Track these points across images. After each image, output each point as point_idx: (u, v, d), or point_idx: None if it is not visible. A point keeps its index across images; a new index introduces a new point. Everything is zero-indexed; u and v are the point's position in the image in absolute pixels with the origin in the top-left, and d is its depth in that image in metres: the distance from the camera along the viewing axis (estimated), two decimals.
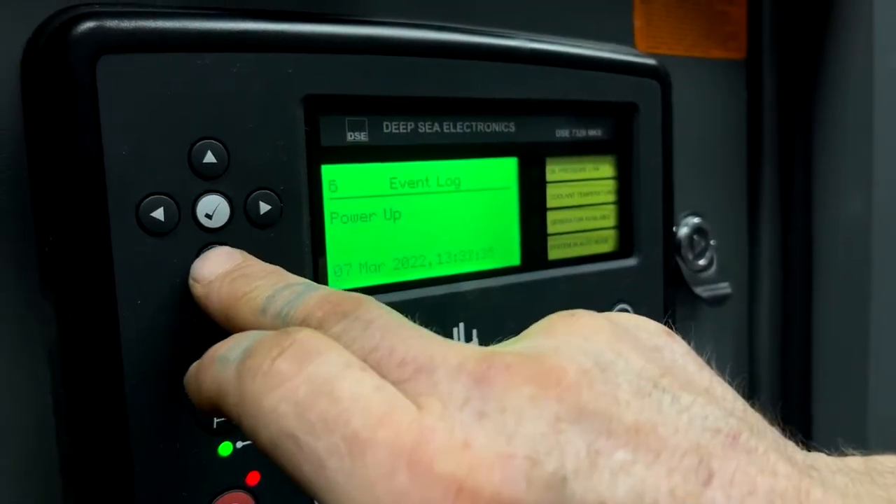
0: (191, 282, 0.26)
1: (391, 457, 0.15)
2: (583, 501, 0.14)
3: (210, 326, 0.27)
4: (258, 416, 0.17)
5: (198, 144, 0.26)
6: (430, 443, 0.15)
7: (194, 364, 0.22)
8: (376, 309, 0.20)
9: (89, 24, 0.25)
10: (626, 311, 0.40)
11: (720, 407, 0.17)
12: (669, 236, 0.42)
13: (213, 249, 0.27)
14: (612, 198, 0.40)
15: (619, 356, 0.18)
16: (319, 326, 0.20)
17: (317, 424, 0.16)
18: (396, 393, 0.17)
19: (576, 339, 0.18)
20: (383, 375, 0.18)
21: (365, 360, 0.18)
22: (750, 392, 0.56)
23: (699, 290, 0.49)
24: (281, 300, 0.22)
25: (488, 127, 0.35)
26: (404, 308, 0.32)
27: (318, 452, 0.16)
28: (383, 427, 0.16)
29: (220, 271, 0.25)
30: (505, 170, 0.36)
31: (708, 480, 0.15)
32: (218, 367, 0.20)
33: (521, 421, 0.15)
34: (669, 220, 0.42)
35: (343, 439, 0.16)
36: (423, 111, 0.33)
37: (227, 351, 0.20)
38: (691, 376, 0.18)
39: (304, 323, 0.20)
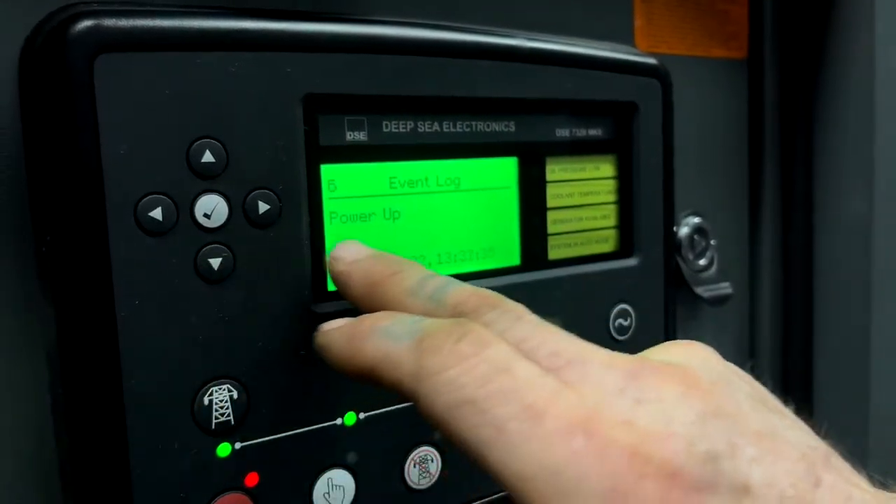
0: (330, 260, 0.28)
1: (566, 424, 0.18)
2: (732, 478, 0.17)
3: (209, 325, 0.27)
4: (438, 385, 0.20)
5: (196, 144, 0.26)
6: (601, 415, 0.18)
7: (336, 330, 0.25)
8: (521, 306, 0.23)
9: (87, 23, 0.24)
10: (627, 311, 0.40)
11: (809, 434, 0.20)
12: (670, 236, 0.42)
13: (347, 240, 0.29)
14: (612, 197, 0.40)
15: (734, 377, 0.21)
16: (473, 312, 0.23)
17: (496, 394, 0.19)
18: (557, 379, 0.19)
19: (697, 359, 0.21)
20: (535, 363, 0.20)
21: (517, 348, 0.21)
22: None
23: (700, 290, 0.49)
24: (431, 285, 0.25)
25: (488, 126, 0.35)
26: None
27: (498, 417, 0.18)
28: (555, 403, 0.18)
29: (361, 254, 0.28)
30: (505, 169, 0.35)
31: (817, 484, 0.18)
32: (381, 338, 0.22)
33: (675, 410, 0.18)
34: (670, 220, 0.42)
35: (522, 408, 0.18)
36: (422, 110, 0.33)
37: (390, 326, 0.23)
38: (779, 406, 0.21)
39: (457, 308, 0.23)
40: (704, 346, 0.22)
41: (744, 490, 0.17)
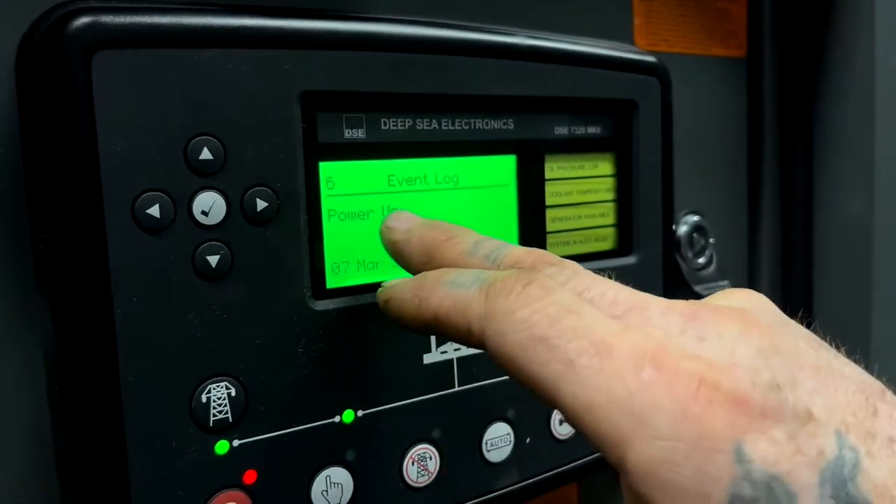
0: (384, 230, 0.30)
1: (635, 356, 0.19)
2: (795, 406, 0.18)
3: (207, 323, 0.27)
4: (510, 324, 0.21)
5: (194, 141, 0.26)
6: (666, 350, 0.19)
7: (400, 284, 0.26)
8: (575, 263, 0.24)
9: (85, 20, 0.24)
10: None
11: (863, 371, 0.20)
12: (669, 234, 0.42)
13: (398, 211, 0.31)
14: (611, 196, 0.40)
15: (788, 320, 0.22)
16: (532, 268, 0.24)
17: (567, 332, 0.20)
18: (620, 323, 0.20)
19: (752, 303, 0.22)
20: (598, 309, 0.21)
21: (580, 296, 0.22)
22: None
23: (699, 289, 0.49)
24: (487, 246, 0.26)
25: (487, 124, 0.35)
26: None
27: (568, 352, 0.19)
28: (622, 339, 0.19)
29: (414, 223, 0.29)
30: (503, 167, 0.35)
31: (875, 413, 0.18)
32: (449, 288, 0.24)
33: (736, 345, 0.19)
34: (669, 218, 0.42)
35: (591, 343, 0.19)
36: (421, 108, 0.33)
37: (456, 277, 0.24)
38: (832, 348, 0.22)
39: (515, 265, 0.25)
40: (759, 294, 0.23)
41: (807, 417, 0.18)
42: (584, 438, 0.19)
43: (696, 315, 0.20)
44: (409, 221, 0.29)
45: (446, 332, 0.24)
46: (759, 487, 0.17)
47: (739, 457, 0.17)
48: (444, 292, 0.24)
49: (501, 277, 0.22)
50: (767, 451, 0.17)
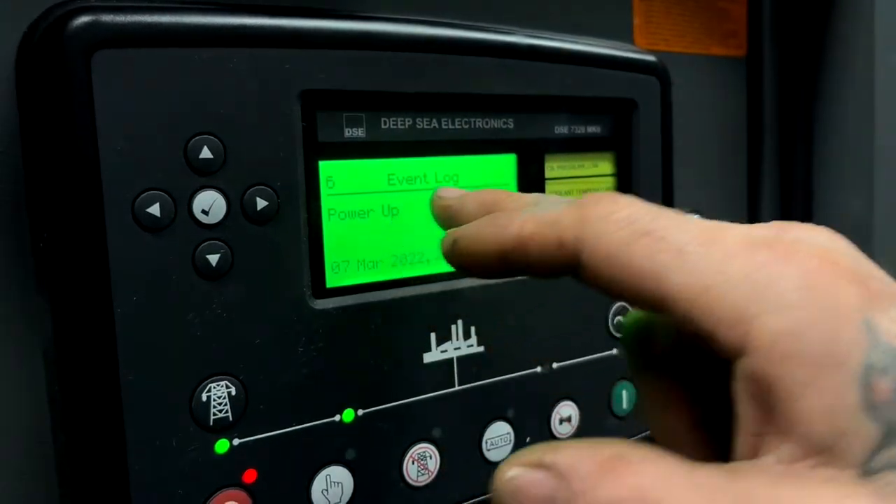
0: (435, 199, 0.29)
1: (745, 242, 0.19)
2: (881, 291, 0.18)
3: (207, 322, 0.27)
4: (609, 224, 0.20)
5: (194, 140, 0.26)
6: (772, 238, 0.19)
7: (470, 226, 0.24)
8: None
9: (85, 19, 0.24)
10: (626, 308, 0.40)
11: None
12: None
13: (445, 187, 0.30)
14: None
15: None
16: None
17: (671, 225, 0.20)
18: None
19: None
20: None
21: None
22: None
23: None
24: (550, 200, 0.25)
25: (487, 123, 0.35)
26: (402, 305, 0.32)
27: (677, 241, 0.19)
28: (726, 231, 0.19)
29: (467, 192, 0.28)
30: (503, 166, 0.35)
31: None
32: (532, 212, 0.23)
33: (834, 243, 0.19)
34: None
35: (697, 234, 0.19)
36: (421, 107, 0.33)
37: (537, 206, 0.23)
38: None
39: None
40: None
41: None
42: (695, 328, 0.19)
43: (784, 226, 0.20)
44: (461, 191, 0.29)
45: (529, 253, 0.22)
46: (889, 358, 0.17)
47: (870, 327, 0.17)
48: (525, 217, 0.23)
49: (585, 197, 0.22)
50: (891, 327, 0.17)
